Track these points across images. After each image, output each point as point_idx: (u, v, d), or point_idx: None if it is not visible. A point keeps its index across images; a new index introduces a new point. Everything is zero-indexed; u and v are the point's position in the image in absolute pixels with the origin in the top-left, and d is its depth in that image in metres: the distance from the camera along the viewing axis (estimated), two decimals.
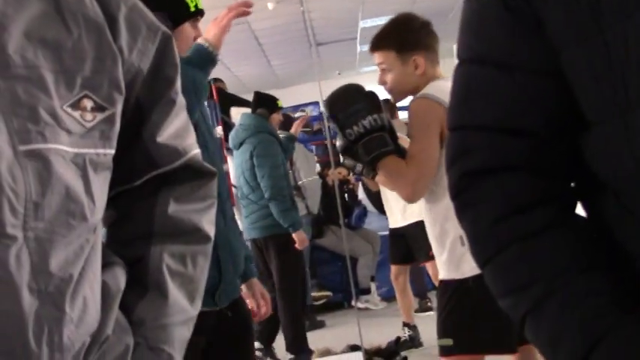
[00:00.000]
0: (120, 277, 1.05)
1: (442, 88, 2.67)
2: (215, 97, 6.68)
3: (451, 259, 2.64)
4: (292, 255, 5.46)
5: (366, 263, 7.22)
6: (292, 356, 5.50)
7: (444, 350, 2.70)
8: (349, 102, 2.74)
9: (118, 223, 1.12)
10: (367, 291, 7.25)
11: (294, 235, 5.33)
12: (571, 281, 0.87)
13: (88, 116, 0.93)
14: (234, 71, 11.20)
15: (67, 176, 0.90)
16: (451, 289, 2.65)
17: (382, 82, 2.86)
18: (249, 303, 2.73)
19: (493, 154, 0.94)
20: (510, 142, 0.93)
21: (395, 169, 2.70)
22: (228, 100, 7.14)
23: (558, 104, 0.91)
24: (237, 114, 6.86)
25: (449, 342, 2.65)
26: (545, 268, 0.89)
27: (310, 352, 5.35)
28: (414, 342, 5.56)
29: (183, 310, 1.10)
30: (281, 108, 5.88)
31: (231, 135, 5.53)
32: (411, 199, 2.72)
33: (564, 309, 0.87)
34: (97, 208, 0.95)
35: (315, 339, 6.02)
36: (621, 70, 0.83)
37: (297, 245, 5.38)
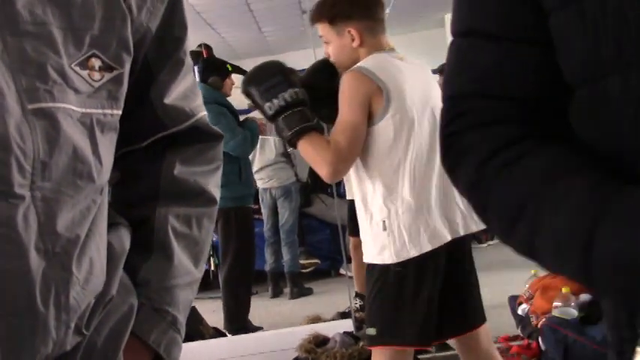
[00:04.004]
0: (125, 238, 1.04)
1: (379, 60, 2.60)
2: None
3: (374, 242, 2.60)
4: (236, 230, 5.29)
5: None
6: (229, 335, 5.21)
7: (368, 339, 2.66)
8: (268, 75, 2.64)
9: (123, 184, 1.11)
10: None
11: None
12: (566, 179, 0.84)
13: (96, 75, 0.91)
14: (225, 37, 11.12)
15: (74, 136, 0.89)
16: (376, 273, 2.61)
17: (327, 54, 2.80)
18: None
19: (480, 115, 0.94)
20: (497, 106, 0.93)
21: (314, 148, 2.57)
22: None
23: (546, 72, 0.91)
24: None
25: (372, 331, 2.60)
26: (537, 179, 0.86)
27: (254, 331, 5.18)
28: (363, 311, 5.51)
29: (187, 272, 1.10)
30: (232, 71, 5.62)
31: None
32: (329, 179, 2.63)
33: (561, 203, 0.82)
34: (103, 169, 0.95)
35: (303, 306, 6.06)
36: (596, 33, 0.83)
37: None
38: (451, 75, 1.00)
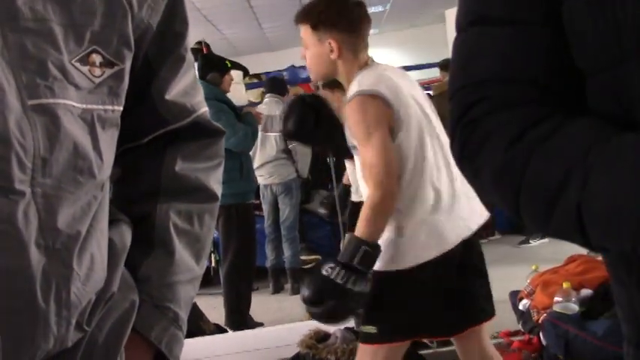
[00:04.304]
0: (126, 235, 1.04)
1: (372, 77, 2.57)
2: None
3: (390, 250, 2.57)
4: (237, 226, 5.27)
5: None
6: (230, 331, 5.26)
7: (365, 337, 2.65)
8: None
9: (124, 180, 1.11)
10: None
11: None
12: (606, 145, 0.80)
13: (97, 71, 0.91)
14: (225, 33, 11.12)
15: (75, 132, 0.89)
16: (384, 278, 2.58)
17: (303, 57, 2.76)
18: None
19: (499, 99, 0.92)
20: (516, 89, 0.91)
21: (368, 218, 2.48)
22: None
23: (557, 55, 0.90)
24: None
25: (372, 329, 2.61)
26: (574, 153, 0.82)
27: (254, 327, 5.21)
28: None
29: (189, 268, 1.10)
30: (231, 68, 5.64)
31: None
32: (394, 205, 2.52)
33: (609, 170, 0.79)
34: (104, 165, 0.94)
35: None
36: (615, 21, 0.82)
37: None
38: (461, 65, 0.98)
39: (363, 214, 2.50)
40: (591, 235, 0.82)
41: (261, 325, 5.39)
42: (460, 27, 0.98)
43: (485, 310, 2.76)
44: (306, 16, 2.68)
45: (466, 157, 0.94)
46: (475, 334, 2.75)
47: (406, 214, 2.56)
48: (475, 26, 0.96)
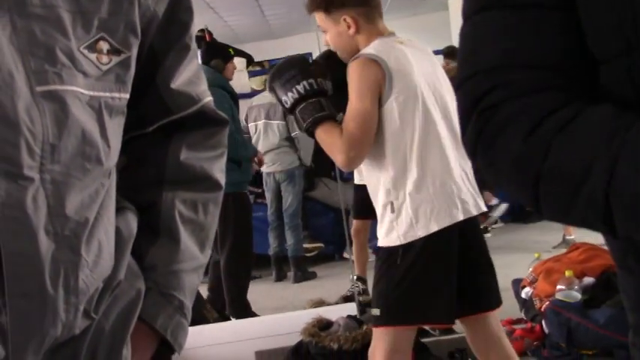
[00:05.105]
0: (132, 223, 1.05)
1: (381, 44, 2.63)
2: None
3: (382, 225, 2.64)
4: (234, 216, 5.23)
5: None
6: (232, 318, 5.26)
7: (373, 320, 2.71)
8: (285, 70, 2.69)
9: (129, 169, 1.11)
10: None
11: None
12: (631, 133, 0.79)
13: (104, 59, 0.92)
14: (228, 21, 11.08)
15: (83, 119, 0.89)
16: (384, 255, 2.65)
17: (326, 43, 2.83)
18: None
19: (514, 85, 0.89)
20: (530, 75, 0.89)
21: (328, 137, 2.62)
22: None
23: (568, 38, 0.89)
24: None
25: (376, 312, 2.65)
26: (596, 141, 0.80)
27: (252, 315, 5.22)
28: (366, 294, 5.51)
29: (193, 256, 1.10)
30: (234, 55, 5.65)
31: None
32: (345, 167, 2.66)
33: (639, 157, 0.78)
34: (111, 153, 0.95)
35: (306, 290, 6.07)
36: (633, 8, 0.81)
37: None
38: (472, 51, 0.96)
39: (335, 145, 2.59)
40: (619, 224, 0.80)
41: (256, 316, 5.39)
42: (467, 14, 0.96)
43: (487, 298, 2.76)
44: (316, 3, 2.73)
45: (481, 146, 0.92)
46: (481, 322, 2.75)
47: (394, 186, 2.59)
48: (482, 12, 0.94)
